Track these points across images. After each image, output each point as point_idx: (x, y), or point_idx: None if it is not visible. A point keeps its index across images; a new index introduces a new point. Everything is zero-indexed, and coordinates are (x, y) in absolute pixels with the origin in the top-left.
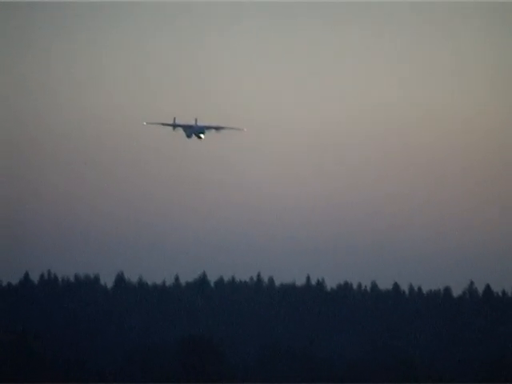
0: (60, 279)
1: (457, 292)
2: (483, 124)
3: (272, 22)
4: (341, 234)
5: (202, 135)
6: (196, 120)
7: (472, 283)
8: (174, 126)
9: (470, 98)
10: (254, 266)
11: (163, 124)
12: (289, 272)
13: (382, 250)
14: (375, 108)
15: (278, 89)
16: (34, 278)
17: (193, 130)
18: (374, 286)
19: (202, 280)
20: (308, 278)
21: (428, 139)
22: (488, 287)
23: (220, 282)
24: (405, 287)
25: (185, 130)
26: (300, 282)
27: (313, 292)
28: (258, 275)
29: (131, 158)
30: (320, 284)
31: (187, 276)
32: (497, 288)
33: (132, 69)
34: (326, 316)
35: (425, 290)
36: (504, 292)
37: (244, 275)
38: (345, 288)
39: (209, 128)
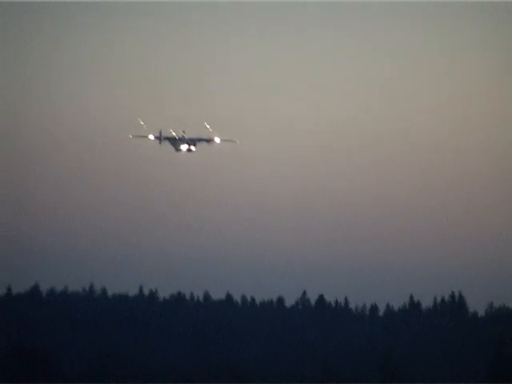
0: None
1: (290, 302)
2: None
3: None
4: (174, 245)
5: (193, 148)
6: (184, 132)
7: (305, 293)
8: (161, 138)
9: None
10: (87, 276)
11: (154, 137)
12: (122, 282)
13: (215, 260)
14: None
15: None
16: None
17: (182, 143)
18: (207, 296)
19: (34, 290)
20: (141, 289)
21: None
22: (321, 297)
23: (52, 292)
24: (237, 297)
25: (173, 144)
26: (133, 292)
27: (145, 302)
28: (91, 286)
29: None
30: (153, 294)
31: (19, 287)
32: (330, 298)
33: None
34: (158, 325)
35: (258, 300)
36: (337, 301)
37: (77, 285)
38: (178, 298)
39: (200, 140)
